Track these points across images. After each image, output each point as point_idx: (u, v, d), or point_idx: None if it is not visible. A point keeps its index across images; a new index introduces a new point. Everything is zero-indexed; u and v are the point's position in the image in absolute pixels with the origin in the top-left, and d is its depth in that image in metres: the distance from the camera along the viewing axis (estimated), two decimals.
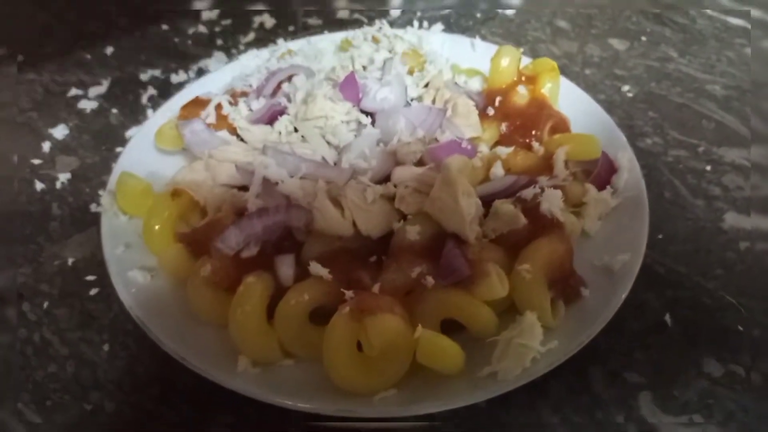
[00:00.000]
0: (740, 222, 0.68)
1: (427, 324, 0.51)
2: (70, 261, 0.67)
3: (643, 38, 0.94)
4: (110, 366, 0.58)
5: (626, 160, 0.65)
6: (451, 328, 0.53)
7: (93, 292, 0.64)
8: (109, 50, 0.96)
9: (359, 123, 0.65)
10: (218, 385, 0.51)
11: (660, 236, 0.66)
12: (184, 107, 0.71)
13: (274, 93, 0.71)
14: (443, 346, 0.50)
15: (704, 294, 0.61)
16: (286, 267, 0.56)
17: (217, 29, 1.00)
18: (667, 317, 0.59)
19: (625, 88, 0.85)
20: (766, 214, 0.68)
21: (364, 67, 0.72)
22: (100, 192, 0.66)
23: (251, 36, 0.98)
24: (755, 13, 0.95)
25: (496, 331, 0.52)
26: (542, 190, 0.58)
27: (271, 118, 0.68)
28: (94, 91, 0.88)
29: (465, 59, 0.78)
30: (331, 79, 0.69)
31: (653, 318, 0.59)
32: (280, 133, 0.66)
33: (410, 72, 0.73)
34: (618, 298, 0.54)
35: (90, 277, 0.65)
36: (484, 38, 0.88)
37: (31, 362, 0.59)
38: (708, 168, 0.73)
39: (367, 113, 0.66)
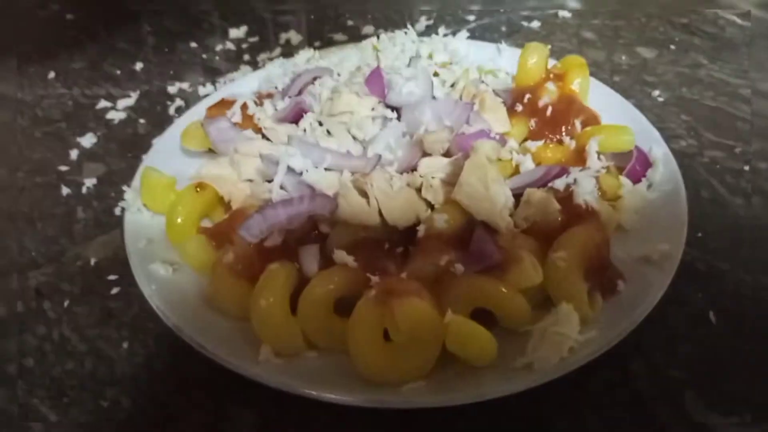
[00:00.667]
0: None
1: (456, 313, 0.48)
2: (92, 261, 0.66)
3: (672, 47, 0.93)
4: (128, 363, 0.57)
5: (661, 153, 0.63)
6: (482, 322, 0.50)
7: (114, 290, 0.63)
8: (139, 66, 0.98)
9: (385, 117, 0.64)
10: (238, 380, 0.49)
11: (699, 234, 0.63)
12: (211, 108, 0.71)
13: (299, 94, 0.71)
14: (474, 332, 0.47)
15: (749, 289, 0.58)
16: (310, 258, 0.54)
17: (244, 46, 1.02)
18: (711, 314, 0.56)
19: (656, 92, 0.83)
20: None
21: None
22: (125, 188, 0.65)
23: (278, 51, 0.99)
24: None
25: (530, 322, 0.50)
26: (575, 179, 0.56)
27: (296, 117, 0.67)
28: (122, 103, 0.89)
29: (491, 63, 0.78)
30: (357, 76, 0.69)
31: (696, 314, 0.56)
32: (305, 130, 0.65)
33: (435, 74, 0.72)
34: (659, 288, 0.51)
35: (112, 277, 0.64)
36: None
37: (48, 359, 0.57)
38: (746, 168, 0.71)
39: (393, 108, 0.65)
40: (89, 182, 0.76)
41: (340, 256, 0.52)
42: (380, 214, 0.55)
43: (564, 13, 1.03)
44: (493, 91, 0.68)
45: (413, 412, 0.49)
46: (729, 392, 0.50)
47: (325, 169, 0.59)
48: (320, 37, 1.02)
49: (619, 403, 0.50)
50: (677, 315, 0.56)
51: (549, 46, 0.71)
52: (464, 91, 0.68)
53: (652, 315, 0.51)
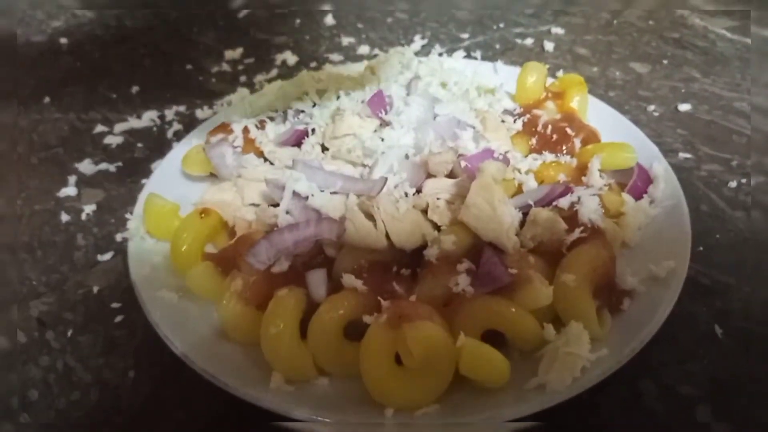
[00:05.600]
0: None
1: (468, 335, 0.48)
2: (95, 289, 0.66)
3: (665, 61, 0.94)
4: (135, 392, 0.56)
5: (662, 169, 0.63)
6: (492, 344, 0.50)
7: (118, 319, 0.62)
8: (135, 89, 0.97)
9: (388, 138, 0.64)
10: (247, 410, 0.48)
11: (701, 248, 0.63)
12: (211, 132, 0.71)
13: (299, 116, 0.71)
14: (487, 355, 0.47)
15: (754, 303, 0.58)
16: (318, 282, 0.54)
17: (240, 68, 1.02)
18: (717, 328, 0.56)
19: (651, 107, 0.84)
20: None
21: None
22: (128, 216, 0.65)
23: (274, 72, 0.99)
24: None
25: (541, 343, 0.50)
26: (579, 198, 0.57)
27: (297, 140, 0.67)
28: (119, 127, 0.89)
29: (489, 82, 0.78)
30: (359, 98, 0.69)
31: (704, 329, 0.56)
32: (307, 153, 0.65)
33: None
34: (667, 305, 0.52)
35: (115, 305, 0.64)
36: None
37: (53, 390, 0.57)
38: (744, 181, 0.71)
39: (395, 129, 0.65)
40: (89, 209, 0.76)
41: (349, 280, 0.52)
42: (387, 236, 0.55)
43: (557, 30, 1.04)
44: (494, 110, 0.68)
45: None
46: (741, 406, 0.50)
47: (331, 192, 0.58)
48: (315, 58, 1.02)
49: (632, 422, 0.50)
50: (684, 331, 0.56)
51: (547, 66, 0.72)
52: (465, 112, 0.68)
53: (660, 332, 0.51)
